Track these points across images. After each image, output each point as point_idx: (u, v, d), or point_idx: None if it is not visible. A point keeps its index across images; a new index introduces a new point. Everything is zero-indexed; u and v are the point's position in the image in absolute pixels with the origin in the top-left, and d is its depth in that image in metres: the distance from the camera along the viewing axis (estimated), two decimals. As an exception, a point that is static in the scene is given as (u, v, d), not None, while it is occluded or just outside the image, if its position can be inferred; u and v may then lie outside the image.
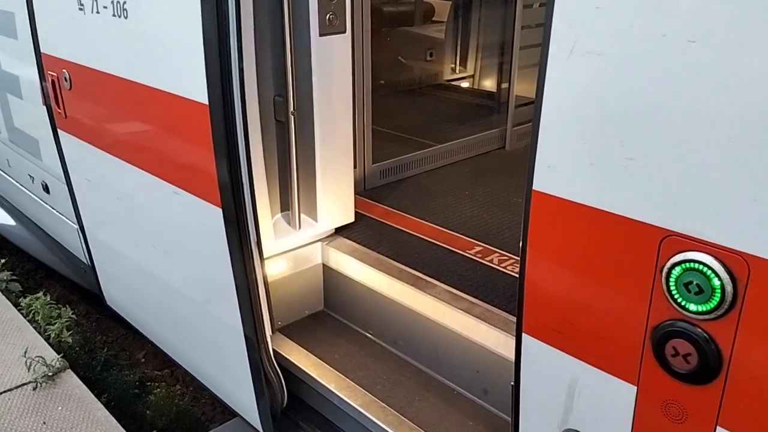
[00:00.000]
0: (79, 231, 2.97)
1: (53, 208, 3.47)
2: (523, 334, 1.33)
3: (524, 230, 1.26)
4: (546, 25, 1.12)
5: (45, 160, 3.30)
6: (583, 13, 1.08)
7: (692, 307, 1.04)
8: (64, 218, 3.39)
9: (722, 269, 1.00)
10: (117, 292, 3.00)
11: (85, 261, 3.12)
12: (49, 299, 3.07)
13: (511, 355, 1.39)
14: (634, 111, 1.05)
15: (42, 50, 2.61)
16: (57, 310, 3.01)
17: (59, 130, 2.72)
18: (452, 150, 3.10)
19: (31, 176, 3.54)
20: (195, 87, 1.78)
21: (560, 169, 1.17)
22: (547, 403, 1.33)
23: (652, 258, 1.08)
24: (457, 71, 4.13)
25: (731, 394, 1.04)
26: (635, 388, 1.17)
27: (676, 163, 1.01)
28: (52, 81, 2.56)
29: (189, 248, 2.21)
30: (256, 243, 1.94)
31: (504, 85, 3.45)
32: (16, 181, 3.82)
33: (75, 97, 2.48)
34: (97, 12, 2.13)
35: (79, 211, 2.86)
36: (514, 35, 3.11)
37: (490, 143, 3.28)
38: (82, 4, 2.21)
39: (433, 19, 4.55)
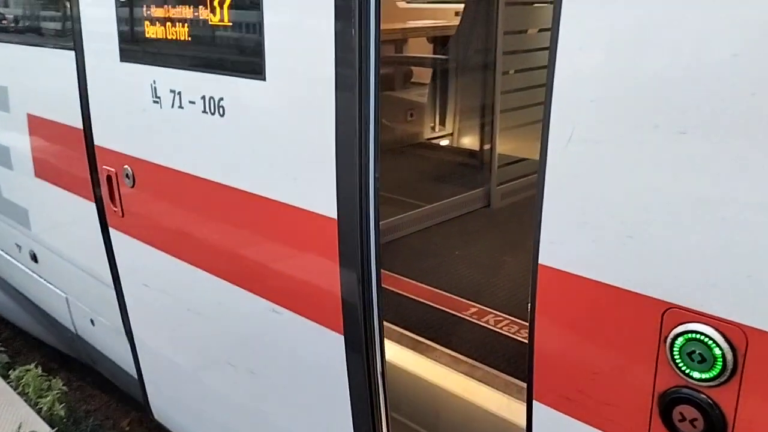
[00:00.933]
0: (127, 337, 2.69)
1: (41, 277, 3.46)
2: (534, 401, 1.38)
3: (532, 301, 1.33)
4: (545, 115, 1.22)
5: (34, 229, 3.32)
6: (579, 104, 1.18)
7: (696, 374, 1.11)
8: (52, 287, 3.38)
9: (722, 339, 1.07)
10: (172, 409, 2.69)
11: (126, 368, 2.85)
12: (40, 371, 3.03)
13: (514, 418, 1.44)
14: (631, 194, 1.14)
15: (96, 143, 2.40)
16: (47, 382, 2.97)
17: (111, 229, 2.48)
18: (441, 210, 3.20)
19: (18, 245, 3.54)
20: (320, 198, 1.60)
21: (564, 246, 1.25)
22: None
23: (655, 329, 1.16)
24: (437, 130, 4.28)
25: (737, 456, 1.10)
26: (645, 452, 1.23)
27: (673, 241, 1.10)
28: (108, 176, 2.34)
29: (284, 372, 1.94)
30: (381, 373, 1.66)
31: (486, 146, 3.59)
32: (1, 250, 3.81)
33: (139, 197, 2.26)
34: (180, 107, 1.95)
35: (128, 315, 2.58)
36: (494, 99, 3.27)
37: (476, 202, 3.39)
38: (157, 98, 2.03)
39: (413, 80, 4.73)
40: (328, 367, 1.71)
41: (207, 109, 1.84)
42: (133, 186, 2.23)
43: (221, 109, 1.81)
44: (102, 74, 2.28)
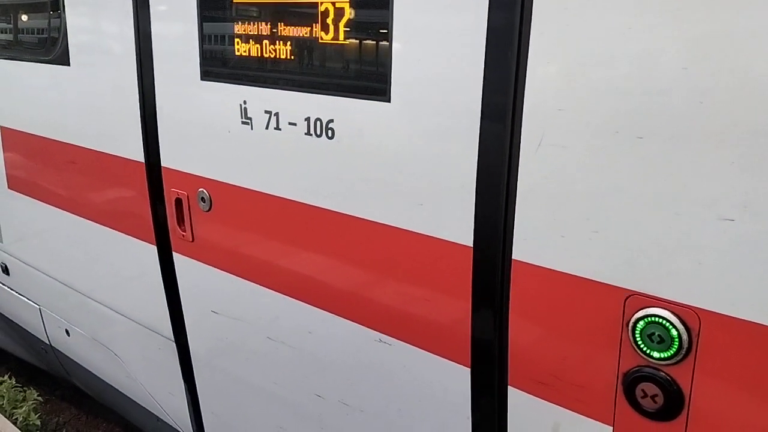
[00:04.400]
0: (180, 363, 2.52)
1: (12, 290, 3.45)
2: (509, 387, 1.50)
3: (503, 295, 1.44)
4: (514, 122, 1.34)
5: (6, 242, 3.31)
6: (548, 113, 1.30)
7: (656, 354, 1.24)
8: (25, 299, 3.38)
9: (678, 321, 1.20)
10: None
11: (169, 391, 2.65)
12: (14, 382, 3.03)
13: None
14: (596, 192, 1.27)
15: (163, 164, 2.23)
16: (22, 393, 2.97)
17: (176, 254, 2.32)
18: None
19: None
20: (452, 226, 1.51)
21: (536, 242, 1.37)
22: (533, 449, 1.49)
23: (618, 314, 1.28)
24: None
25: (693, 426, 1.23)
26: (611, 428, 1.35)
27: (634, 234, 1.23)
28: (177, 200, 2.20)
29: (386, 403, 1.82)
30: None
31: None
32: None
33: (217, 222, 2.11)
34: (277, 128, 1.82)
35: (187, 340, 2.44)
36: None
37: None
38: (248, 118, 1.89)
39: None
40: (445, 401, 1.65)
41: (312, 131, 1.73)
42: (209, 210, 2.11)
43: (330, 132, 1.70)
44: (177, 94, 2.12)
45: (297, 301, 1.95)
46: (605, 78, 1.22)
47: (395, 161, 1.60)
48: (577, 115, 1.26)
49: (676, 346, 1.21)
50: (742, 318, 1.13)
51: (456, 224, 1.50)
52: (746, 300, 1.12)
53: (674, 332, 1.21)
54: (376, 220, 1.66)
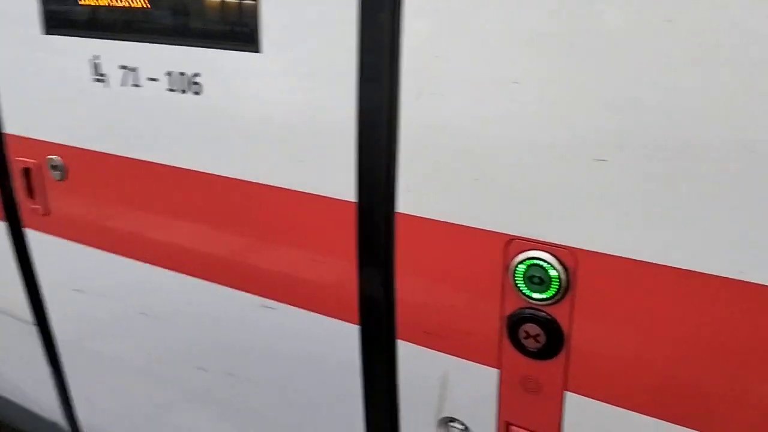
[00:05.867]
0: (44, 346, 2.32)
1: None
2: (398, 341, 1.49)
3: (389, 249, 1.43)
4: (393, 72, 1.31)
5: None
6: (426, 61, 1.28)
7: (536, 295, 1.28)
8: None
9: (557, 262, 1.24)
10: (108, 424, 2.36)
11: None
12: None
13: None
14: (476, 140, 1.27)
15: (6, 131, 2.02)
16: None
17: (28, 229, 2.12)
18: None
19: None
20: (334, 181, 1.45)
21: (419, 193, 1.36)
22: (423, 398, 1.50)
23: (501, 259, 1.30)
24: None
25: (573, 362, 1.29)
26: (498, 370, 1.38)
27: (513, 180, 1.25)
28: (25, 169, 2.00)
29: (275, 370, 1.76)
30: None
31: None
32: None
33: (73, 192, 1.94)
34: (136, 85, 1.68)
35: (49, 323, 2.24)
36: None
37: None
38: (102, 75, 1.73)
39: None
40: (335, 361, 1.61)
41: (175, 87, 1.61)
42: (63, 179, 1.93)
43: (197, 87, 1.58)
44: (16, 51, 1.91)
45: (170, 271, 1.84)
46: (477, 22, 1.21)
47: (269, 117, 1.52)
48: (456, 61, 1.25)
49: (555, 287, 1.25)
50: (616, 255, 1.19)
51: (337, 179, 1.46)
52: (619, 238, 1.18)
53: (553, 273, 1.25)
54: (251, 180, 1.59)
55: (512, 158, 1.24)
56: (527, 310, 1.31)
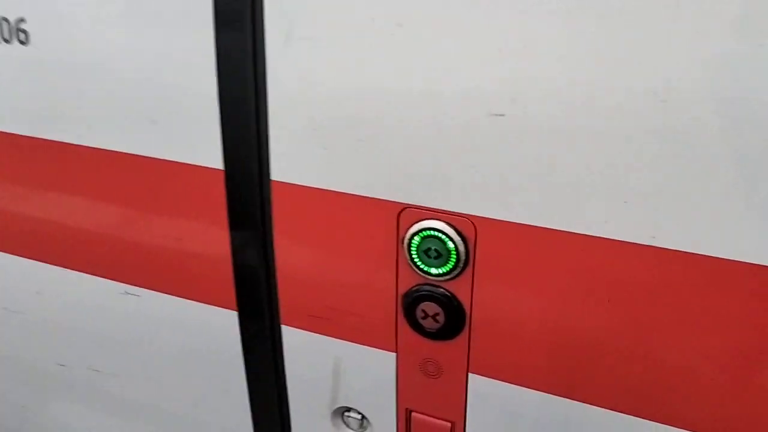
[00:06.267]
0: None
1: None
2: (283, 327, 1.31)
3: (265, 224, 1.23)
4: (254, 14, 1.09)
5: None
6: (294, 0, 1.06)
7: (434, 270, 1.12)
8: None
9: (454, 233, 1.09)
10: None
11: None
12: None
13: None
14: (356, 95, 1.07)
15: None
16: None
17: None
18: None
19: None
20: (194, 146, 1.24)
21: (296, 157, 1.16)
22: (315, 389, 1.34)
23: (393, 231, 1.14)
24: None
25: (475, 342, 1.15)
26: (395, 354, 1.23)
27: (401, 141, 1.07)
28: None
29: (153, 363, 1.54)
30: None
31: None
32: None
33: None
34: None
35: None
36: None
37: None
38: None
39: None
40: (213, 351, 1.42)
41: None
42: None
43: (23, 34, 1.30)
44: None
45: (17, 257, 1.56)
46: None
47: (116, 72, 1.26)
48: (327, 1, 1.04)
49: (453, 260, 1.10)
50: (517, 222, 1.04)
51: (198, 143, 1.23)
52: (519, 202, 1.03)
53: (450, 245, 1.09)
54: (99, 147, 1.33)
55: (399, 115, 1.06)
56: (425, 287, 1.15)
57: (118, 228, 1.40)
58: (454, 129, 1.02)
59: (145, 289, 1.43)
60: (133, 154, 1.29)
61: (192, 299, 1.39)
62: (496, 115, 0.99)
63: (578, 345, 1.09)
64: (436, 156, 1.05)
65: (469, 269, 1.11)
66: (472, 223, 1.07)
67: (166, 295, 1.41)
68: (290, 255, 1.25)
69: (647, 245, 0.97)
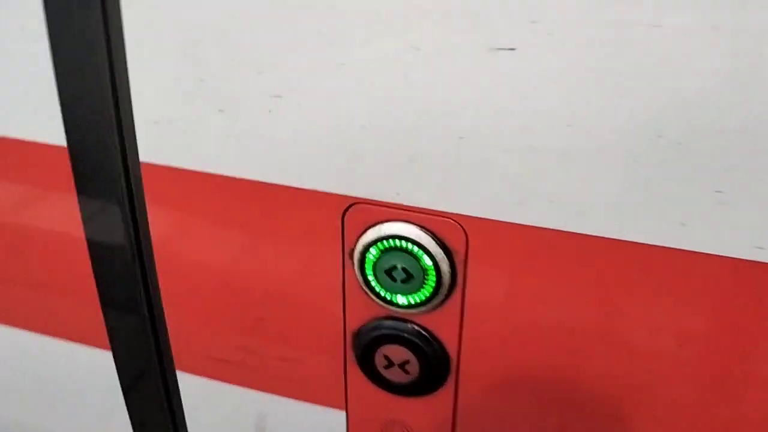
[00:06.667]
0: None
1: None
2: (178, 372, 0.90)
3: (138, 226, 0.80)
4: None
5: None
6: None
7: (401, 299, 0.72)
8: None
9: (433, 242, 0.68)
10: None
11: None
12: None
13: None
14: (268, 48, 0.64)
15: None
16: None
17: None
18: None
19: None
20: (32, 121, 0.80)
21: (171, 129, 0.72)
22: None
23: (334, 239, 0.72)
24: None
25: (465, 400, 0.77)
26: (344, 413, 0.84)
27: (330, 103, 0.65)
28: None
29: None
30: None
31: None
32: None
33: None
34: None
35: None
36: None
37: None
38: None
39: None
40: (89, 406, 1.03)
41: None
42: None
43: None
44: None
45: None
46: None
47: None
48: None
49: (432, 283, 0.70)
50: (534, 224, 0.65)
51: (39, 118, 0.78)
52: (539, 194, 0.63)
53: (427, 261, 0.69)
54: None
55: (317, 75, 0.63)
56: (387, 324, 0.75)
57: None
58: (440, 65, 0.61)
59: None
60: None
61: (49, 335, 0.95)
62: (504, 49, 0.58)
63: (611, 403, 0.72)
64: (402, 116, 0.64)
65: (456, 296, 0.71)
66: (462, 227, 0.67)
67: (18, 329, 0.98)
68: (172, 276, 0.82)
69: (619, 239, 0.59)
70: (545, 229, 0.64)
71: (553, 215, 0.63)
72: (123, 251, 0.81)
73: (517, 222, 0.65)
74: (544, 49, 0.56)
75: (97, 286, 0.86)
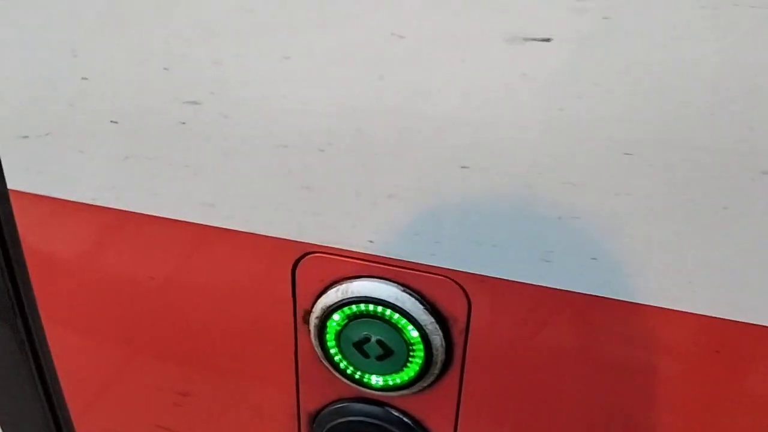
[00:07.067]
0: None
1: None
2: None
3: (12, 268, 0.58)
4: None
5: None
6: None
7: (376, 380, 0.53)
8: None
9: (420, 308, 0.49)
10: None
11: None
12: None
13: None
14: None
15: None
16: None
17: None
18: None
19: None
20: None
21: (45, 145, 0.50)
22: None
23: (286, 303, 0.52)
24: None
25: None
26: None
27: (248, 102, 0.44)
28: None
29: None
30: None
31: None
32: None
33: None
34: None
35: None
36: None
37: None
38: None
39: None
40: None
41: None
42: None
43: None
44: None
45: None
46: None
47: None
48: None
49: (419, 360, 0.51)
50: (557, 287, 0.46)
51: None
52: (568, 247, 0.44)
53: (413, 333, 0.50)
54: None
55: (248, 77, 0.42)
56: (355, 407, 0.56)
57: None
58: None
59: None
60: None
61: None
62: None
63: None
64: (375, 132, 0.44)
65: (451, 376, 0.52)
66: (463, 288, 0.48)
67: None
68: (61, 331, 0.61)
69: None
70: (574, 293, 0.45)
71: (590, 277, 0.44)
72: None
73: (533, 283, 0.46)
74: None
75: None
